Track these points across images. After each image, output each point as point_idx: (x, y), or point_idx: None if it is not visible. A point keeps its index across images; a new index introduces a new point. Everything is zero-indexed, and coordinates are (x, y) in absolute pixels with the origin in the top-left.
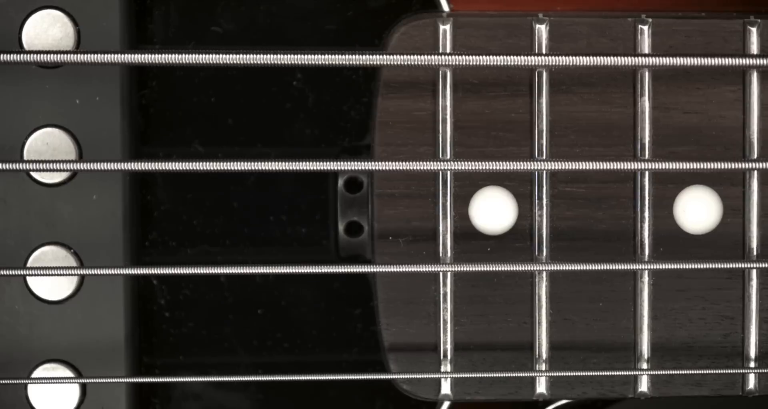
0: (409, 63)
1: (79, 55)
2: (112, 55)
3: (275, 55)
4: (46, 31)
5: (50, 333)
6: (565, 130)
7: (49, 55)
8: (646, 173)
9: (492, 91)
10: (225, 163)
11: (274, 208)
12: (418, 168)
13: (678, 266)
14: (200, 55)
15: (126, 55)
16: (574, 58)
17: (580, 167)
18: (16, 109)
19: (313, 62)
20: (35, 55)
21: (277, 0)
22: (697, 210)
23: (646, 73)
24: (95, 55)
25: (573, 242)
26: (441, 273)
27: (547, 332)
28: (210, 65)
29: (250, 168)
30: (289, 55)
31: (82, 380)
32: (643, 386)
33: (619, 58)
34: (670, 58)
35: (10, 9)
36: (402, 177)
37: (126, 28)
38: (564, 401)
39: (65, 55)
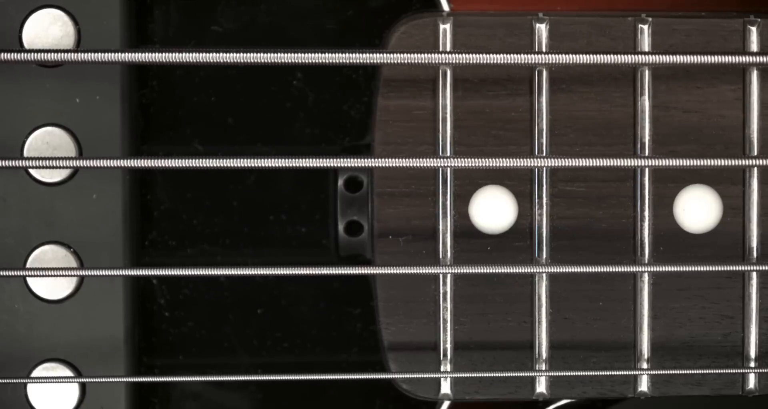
0: (408, 62)
1: (78, 54)
2: (112, 53)
3: (275, 54)
4: (47, 30)
5: (50, 332)
6: (565, 129)
7: (48, 54)
8: (646, 172)
9: (492, 90)
10: (224, 161)
11: (273, 207)
12: (418, 165)
13: (677, 269)
14: (200, 54)
15: (125, 53)
16: (573, 56)
17: (580, 164)
18: (17, 108)
19: (313, 61)
20: (35, 54)
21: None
22: (697, 209)
23: (646, 72)
24: (95, 54)
25: (573, 241)
26: (441, 273)
27: (546, 332)
28: (210, 64)
29: (249, 165)
30: (289, 54)
31: (82, 380)
32: (643, 385)
33: (618, 56)
34: (669, 56)
35: (10, 8)
36: (402, 176)
37: (126, 27)
38: (564, 401)
39: (65, 54)
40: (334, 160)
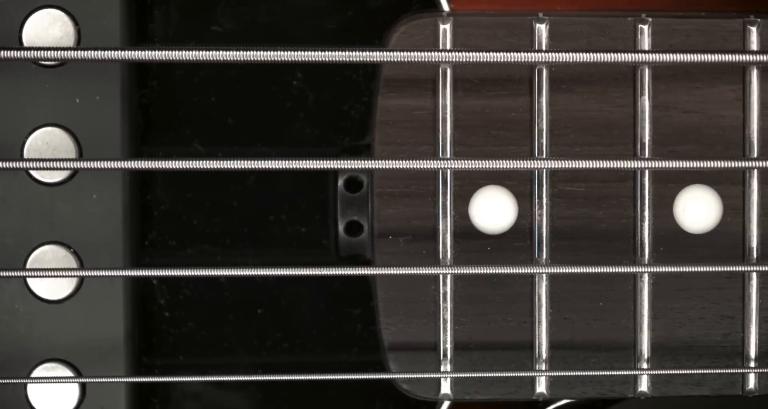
0: (407, 60)
1: (78, 51)
2: (111, 51)
3: (275, 52)
4: (47, 31)
5: (50, 333)
6: (565, 130)
7: (48, 52)
8: (646, 172)
9: (492, 90)
10: (225, 162)
11: (274, 207)
12: (418, 167)
13: (677, 269)
14: (200, 52)
15: (125, 51)
16: (573, 54)
17: (580, 166)
18: (17, 109)
19: (314, 59)
20: (35, 52)
21: (277, 0)
22: (697, 209)
23: (646, 72)
24: (94, 52)
25: (573, 242)
26: (441, 273)
27: (546, 332)
28: (210, 62)
29: (250, 167)
30: (289, 52)
31: (82, 380)
32: (643, 385)
33: (617, 54)
34: (669, 55)
35: (10, 8)
36: (402, 176)
37: (126, 27)
38: (564, 401)
39: (64, 52)
40: (334, 162)
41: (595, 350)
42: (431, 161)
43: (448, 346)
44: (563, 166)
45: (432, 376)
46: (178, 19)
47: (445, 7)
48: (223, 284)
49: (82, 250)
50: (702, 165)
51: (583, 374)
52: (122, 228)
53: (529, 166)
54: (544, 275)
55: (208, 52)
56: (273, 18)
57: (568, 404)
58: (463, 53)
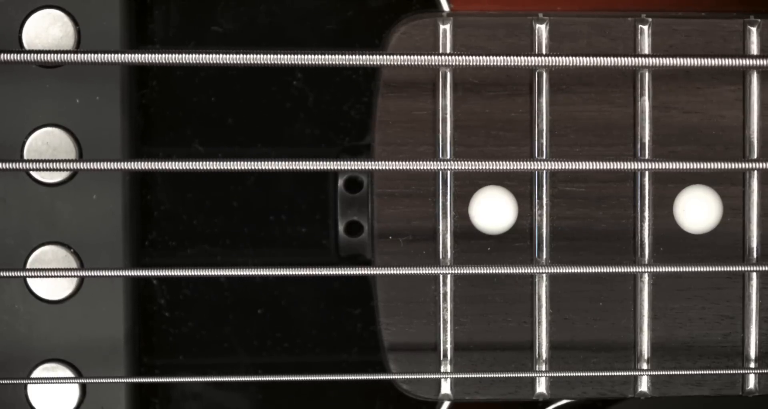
0: (409, 63)
1: (78, 54)
2: (112, 54)
3: (275, 56)
4: (47, 31)
5: (50, 333)
6: (565, 130)
7: (48, 55)
8: (646, 173)
9: (492, 91)
10: (225, 163)
11: (274, 207)
12: (418, 168)
13: (677, 270)
14: (200, 55)
15: (125, 54)
16: (573, 58)
17: (580, 167)
18: (17, 109)
19: (313, 62)
20: (35, 55)
21: (277, 0)
22: (697, 210)
23: (646, 73)
24: (95, 55)
25: (573, 242)
26: (441, 273)
27: (547, 332)
28: (210, 65)
29: (250, 167)
30: (289, 56)
31: (82, 380)
32: (643, 385)
33: (618, 58)
34: (670, 59)
35: (10, 8)
36: (402, 176)
37: (126, 27)
38: (564, 401)
39: (65, 55)
40: (334, 162)
41: (595, 351)
42: (431, 162)
43: (449, 346)
44: (563, 167)
45: (432, 376)
46: (178, 19)
47: (445, 7)
48: (223, 284)
49: (82, 250)
50: (701, 167)
51: (583, 374)
52: (122, 228)
53: (529, 168)
54: (544, 275)
55: (207, 56)
56: (273, 18)
57: (568, 404)
58: (463, 57)
